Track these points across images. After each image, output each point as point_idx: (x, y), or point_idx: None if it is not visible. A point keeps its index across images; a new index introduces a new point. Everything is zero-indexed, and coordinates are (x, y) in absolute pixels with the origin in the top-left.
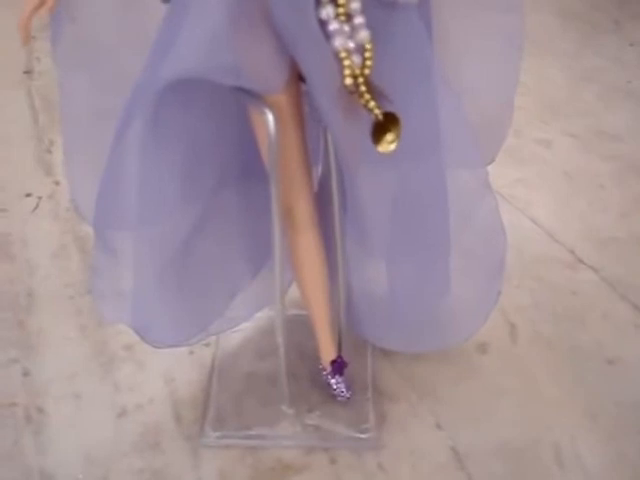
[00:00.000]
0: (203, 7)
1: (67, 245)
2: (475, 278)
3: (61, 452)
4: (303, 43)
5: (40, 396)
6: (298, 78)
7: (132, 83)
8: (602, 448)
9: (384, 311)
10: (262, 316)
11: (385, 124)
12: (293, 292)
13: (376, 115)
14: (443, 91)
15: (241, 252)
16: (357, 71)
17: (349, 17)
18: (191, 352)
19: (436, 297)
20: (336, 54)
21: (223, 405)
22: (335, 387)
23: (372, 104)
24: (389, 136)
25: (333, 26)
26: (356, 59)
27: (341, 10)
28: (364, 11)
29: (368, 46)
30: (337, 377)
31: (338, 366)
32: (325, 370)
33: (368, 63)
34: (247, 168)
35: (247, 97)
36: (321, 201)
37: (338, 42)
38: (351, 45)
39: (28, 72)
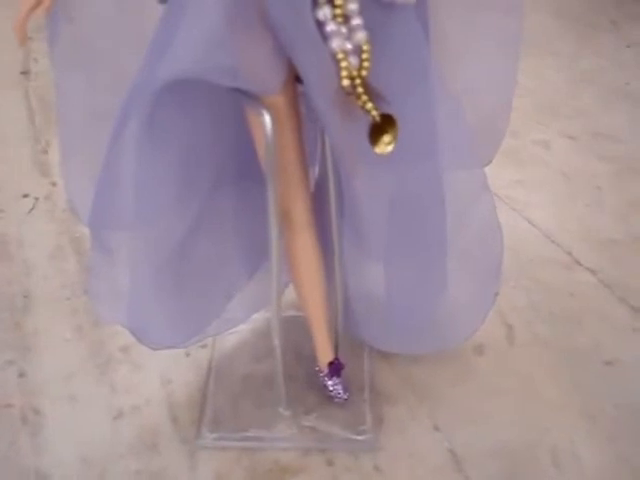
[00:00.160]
0: (200, 8)
1: (63, 246)
2: (472, 279)
3: (57, 453)
4: (300, 44)
5: (36, 397)
6: (295, 79)
7: (129, 83)
8: (600, 449)
9: (381, 313)
10: (259, 318)
11: (382, 125)
12: (290, 294)
13: (373, 116)
14: (440, 92)
15: (237, 253)
16: (354, 72)
17: (346, 18)
18: (187, 354)
19: (433, 298)
20: (333, 55)
21: (220, 407)
22: (332, 389)
23: (369, 105)
24: (386, 137)
25: (330, 27)
26: (353, 60)
27: (338, 11)
28: (361, 12)
29: (365, 47)
30: (334, 379)
31: (335, 368)
32: (322, 372)
33: (365, 64)
34: (243, 169)
35: (244, 98)
36: (318, 203)
37: (335, 43)
38: (348, 46)
39: (25, 73)
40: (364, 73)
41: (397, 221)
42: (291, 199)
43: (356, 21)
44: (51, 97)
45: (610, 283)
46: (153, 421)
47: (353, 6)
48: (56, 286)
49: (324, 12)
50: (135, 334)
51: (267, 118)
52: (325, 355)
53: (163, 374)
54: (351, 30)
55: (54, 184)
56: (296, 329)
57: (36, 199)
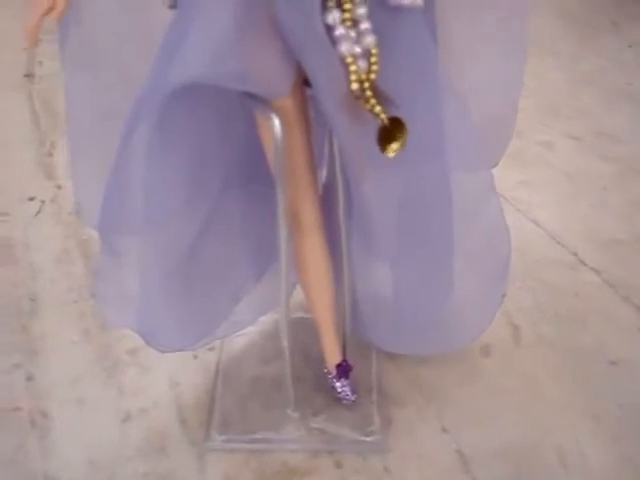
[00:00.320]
0: (210, 12)
1: (70, 249)
2: (480, 280)
3: (65, 456)
4: (309, 48)
5: (44, 400)
6: (304, 82)
7: (138, 86)
8: (606, 449)
9: (389, 314)
10: (266, 320)
11: (391, 129)
12: (298, 295)
13: (382, 120)
14: (447, 94)
15: (245, 256)
16: (363, 76)
17: (355, 22)
18: (195, 356)
19: (441, 299)
20: (342, 59)
21: (228, 409)
22: (340, 390)
23: (378, 109)
24: (394, 145)
25: (339, 31)
26: (362, 64)
27: (347, 15)
28: (370, 16)
29: (374, 51)
30: (342, 380)
31: (343, 369)
32: (330, 373)
33: (374, 68)
34: (251, 172)
35: (253, 102)
36: (326, 205)
37: (344, 47)
38: (357, 50)
39: (29, 75)
40: (373, 77)
41: (405, 222)
42: (300, 201)
43: (365, 25)
44: (55, 100)
45: (615, 283)
46: (161, 424)
47: (362, 10)
48: (63, 289)
49: (333, 16)
50: (144, 337)
51: (276, 121)
52: (333, 357)
53: (171, 377)
54: (360, 34)
55: (60, 187)
56: (304, 331)
57: (42, 202)
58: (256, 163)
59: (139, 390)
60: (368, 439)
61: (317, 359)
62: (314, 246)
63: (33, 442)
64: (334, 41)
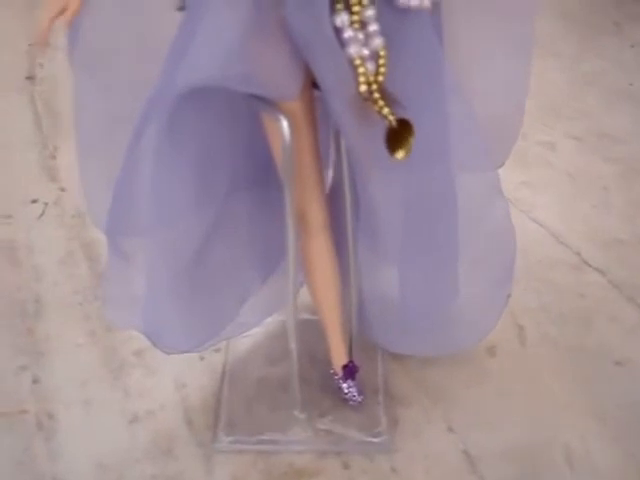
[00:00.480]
0: (218, 15)
1: (74, 251)
2: (486, 281)
3: (73, 459)
4: (318, 50)
5: (50, 403)
6: (312, 84)
7: (147, 88)
8: (612, 448)
9: (396, 315)
10: (271, 321)
11: (399, 130)
12: (304, 297)
13: (390, 121)
14: (454, 95)
15: (251, 257)
16: (371, 78)
17: (363, 24)
18: (201, 358)
19: (446, 300)
20: (351, 61)
21: (235, 410)
22: (347, 391)
23: (386, 110)
24: (400, 153)
25: (348, 34)
26: (370, 66)
27: (355, 18)
28: (378, 18)
29: (382, 53)
30: (349, 381)
31: (350, 370)
32: (336, 375)
33: (382, 70)
34: (258, 173)
35: (262, 104)
36: (333, 207)
37: (353, 49)
38: (365, 52)
39: (30, 78)
40: (380, 79)
41: (411, 222)
42: (307, 202)
43: (373, 27)
44: (57, 102)
45: (619, 283)
46: (168, 425)
47: (370, 12)
48: (68, 292)
49: (342, 19)
50: (151, 339)
51: (284, 123)
52: (340, 358)
53: (177, 378)
54: (368, 36)
55: (63, 189)
56: (310, 332)
57: (45, 204)
58: (262, 166)
59: (145, 392)
60: (375, 440)
61: (323, 360)
62: (321, 247)
63: (40, 445)
64: (343, 43)
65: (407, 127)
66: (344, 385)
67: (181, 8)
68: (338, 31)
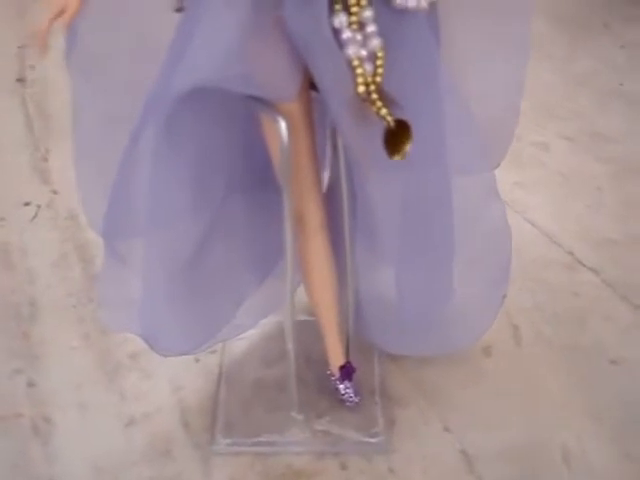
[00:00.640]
0: (217, 16)
1: (67, 254)
2: (482, 281)
3: (69, 462)
4: (316, 51)
5: (46, 406)
6: (309, 86)
7: (144, 90)
8: (609, 447)
9: (392, 315)
10: (267, 322)
11: (397, 131)
12: (300, 297)
13: (388, 122)
14: (450, 96)
15: (248, 260)
16: (369, 79)
17: (361, 25)
18: (197, 360)
19: (443, 300)
20: (349, 62)
21: (232, 412)
22: (344, 392)
23: (384, 111)
24: (396, 157)
25: (346, 35)
26: (368, 67)
27: (354, 19)
28: (375, 19)
29: (380, 54)
30: (346, 382)
31: (347, 371)
32: (333, 375)
33: (379, 71)
34: (255, 176)
35: (260, 105)
36: (331, 207)
37: (351, 50)
38: (363, 53)
39: (21, 80)
40: (378, 79)
41: (408, 223)
42: (304, 203)
43: (371, 28)
44: (49, 105)
45: (612, 282)
46: (165, 428)
47: (368, 13)
48: (61, 294)
49: (340, 20)
50: (147, 341)
51: (283, 124)
52: (336, 359)
53: (173, 380)
54: (366, 37)
55: (55, 192)
56: (307, 333)
57: (38, 207)
58: (259, 169)
59: (141, 394)
60: (372, 440)
61: (320, 361)
62: (318, 247)
63: (36, 448)
64: (341, 44)
65: (405, 129)
66: (341, 386)
67: (179, 9)
68: (336, 32)
